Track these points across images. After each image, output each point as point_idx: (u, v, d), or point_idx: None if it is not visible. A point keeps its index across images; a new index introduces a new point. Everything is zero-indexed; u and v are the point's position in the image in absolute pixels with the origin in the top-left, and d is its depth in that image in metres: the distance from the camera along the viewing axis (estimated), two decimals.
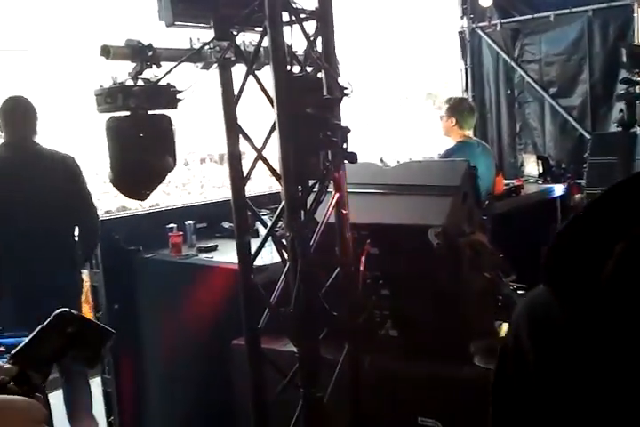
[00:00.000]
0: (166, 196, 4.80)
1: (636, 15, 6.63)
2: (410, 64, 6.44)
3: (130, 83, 2.13)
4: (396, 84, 6.24)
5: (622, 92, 5.84)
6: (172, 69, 2.17)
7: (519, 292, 2.56)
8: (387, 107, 6.13)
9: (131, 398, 3.64)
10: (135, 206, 3.95)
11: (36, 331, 0.83)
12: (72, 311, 0.85)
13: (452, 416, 2.35)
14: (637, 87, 5.80)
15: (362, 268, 2.48)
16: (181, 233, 3.44)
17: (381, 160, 5.72)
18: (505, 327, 2.62)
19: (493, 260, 2.52)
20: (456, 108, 4.20)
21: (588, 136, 6.47)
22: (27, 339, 0.82)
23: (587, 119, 6.98)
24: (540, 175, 5.92)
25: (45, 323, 0.84)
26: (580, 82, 7.05)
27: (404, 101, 6.35)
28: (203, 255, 3.33)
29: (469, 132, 4.29)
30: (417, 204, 2.56)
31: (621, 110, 5.81)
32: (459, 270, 2.43)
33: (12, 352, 0.81)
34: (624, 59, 5.78)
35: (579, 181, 5.63)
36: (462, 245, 2.42)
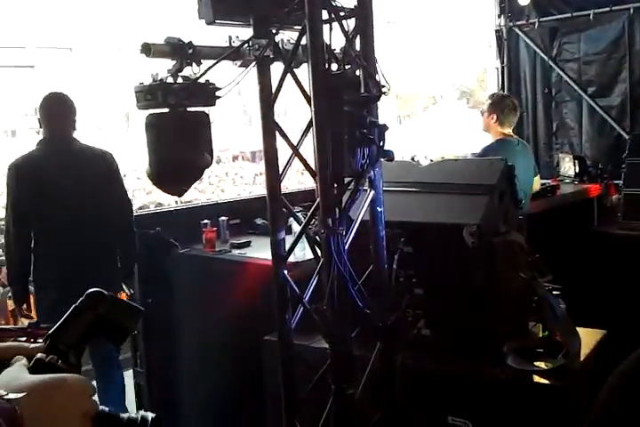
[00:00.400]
0: (200, 193, 4.85)
1: None
2: (445, 62, 6.40)
3: (170, 80, 2.16)
4: (432, 83, 6.21)
5: None
6: (211, 67, 2.20)
7: (554, 293, 2.53)
8: (422, 105, 6.11)
9: (162, 391, 3.69)
10: (168, 202, 4.01)
11: (69, 311, 0.86)
12: (103, 291, 0.88)
13: (483, 416, 2.33)
14: None
15: (395, 266, 2.48)
16: (215, 229, 3.48)
17: (412, 159, 5.70)
18: (539, 328, 2.60)
19: (529, 260, 2.49)
20: (498, 105, 4.16)
21: (626, 136, 6.35)
22: (61, 320, 0.85)
23: (626, 119, 6.85)
24: (576, 175, 5.84)
25: (77, 303, 0.87)
26: (619, 81, 6.92)
27: (439, 100, 6.31)
28: (236, 251, 3.36)
29: (509, 130, 4.24)
30: (452, 202, 2.55)
31: None
32: (493, 270, 2.41)
33: (48, 333, 0.84)
34: None
35: (616, 181, 5.53)
36: (497, 245, 2.40)
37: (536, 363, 2.36)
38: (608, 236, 5.10)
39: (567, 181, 5.85)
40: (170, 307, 3.55)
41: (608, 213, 5.39)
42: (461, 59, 6.78)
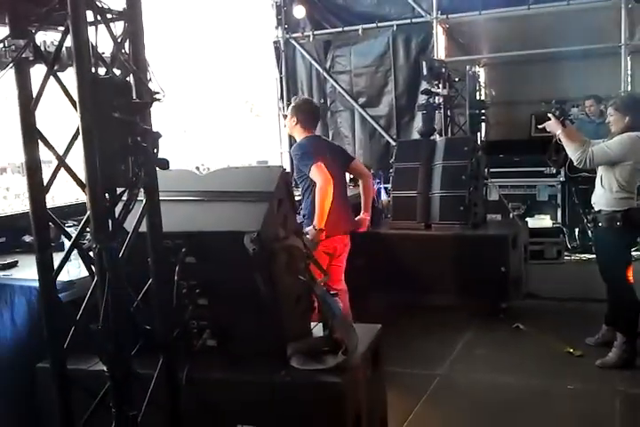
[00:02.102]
0: None
1: (434, 31, 7.23)
2: (228, 71, 6.44)
3: None
4: (215, 91, 6.22)
5: (423, 102, 6.34)
6: None
7: (332, 292, 2.66)
8: (206, 113, 6.08)
9: None
10: None
11: None
12: None
13: (271, 420, 2.37)
14: (436, 98, 6.33)
15: (177, 278, 2.42)
16: None
17: (197, 168, 5.65)
18: (320, 328, 2.70)
19: (307, 263, 2.58)
20: (299, 108, 4.26)
21: (393, 143, 6.92)
22: None
23: (392, 127, 7.48)
24: (350, 180, 6.20)
25: None
26: (386, 93, 7.54)
27: (223, 108, 6.34)
28: (0, 273, 3.05)
29: (314, 131, 4.35)
30: (232, 210, 2.56)
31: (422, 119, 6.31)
32: (274, 275, 2.45)
33: None
34: (424, 71, 6.28)
35: (386, 185, 5.99)
36: (277, 250, 2.45)
37: (318, 362, 2.45)
38: (380, 235, 5.51)
39: None
40: None
41: (380, 215, 5.82)
42: (245, 68, 6.91)
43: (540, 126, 4.36)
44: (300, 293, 2.64)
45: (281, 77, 7.86)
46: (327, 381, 2.33)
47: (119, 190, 2.06)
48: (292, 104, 4.35)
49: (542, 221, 6.86)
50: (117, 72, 2.14)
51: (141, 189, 2.13)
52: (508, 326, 4.92)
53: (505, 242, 5.12)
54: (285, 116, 4.37)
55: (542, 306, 5.40)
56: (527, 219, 6.60)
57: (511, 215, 5.94)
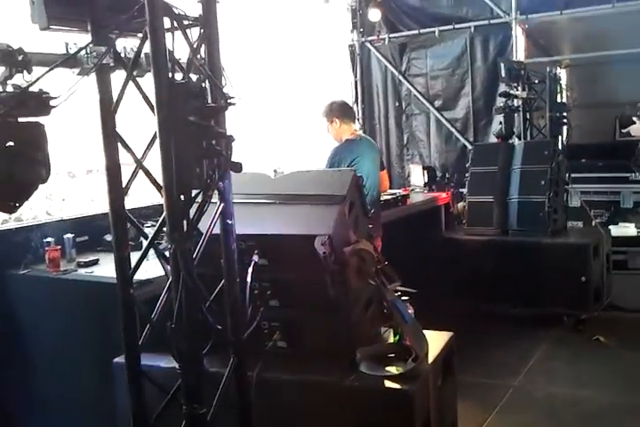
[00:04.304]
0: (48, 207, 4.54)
1: (513, 32, 7.04)
2: (304, 75, 6.49)
3: None
4: (291, 95, 6.27)
5: (501, 105, 6.19)
6: (43, 75, 2.05)
7: (403, 298, 2.62)
8: (282, 118, 6.15)
9: (7, 420, 3.41)
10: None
11: None
12: None
13: (339, 423, 2.36)
14: (515, 100, 6.17)
15: (249, 279, 2.45)
16: (59, 247, 3.27)
17: (275, 171, 5.73)
18: (391, 333, 2.67)
19: (378, 267, 2.56)
20: (330, 111, 4.36)
21: (470, 147, 6.78)
22: None
23: (469, 131, 7.33)
24: (425, 185, 6.14)
25: None
26: (462, 95, 7.39)
27: (299, 113, 6.40)
28: (82, 270, 3.18)
29: (354, 126, 4.47)
30: (304, 213, 2.57)
31: (500, 122, 6.15)
32: (345, 279, 2.45)
33: None
34: (502, 73, 6.13)
35: (461, 189, 5.88)
36: (348, 254, 2.44)
37: (388, 368, 2.42)
38: (455, 241, 5.41)
39: (417, 190, 6.14)
40: (14, 332, 3.28)
41: (454, 220, 5.72)
42: (319, 72, 6.95)
43: (624, 130, 4.18)
44: (371, 297, 2.62)
45: (356, 81, 7.86)
46: (396, 388, 2.30)
47: (194, 192, 2.10)
48: (324, 112, 4.41)
49: (626, 230, 6.55)
50: (193, 77, 2.19)
51: (215, 192, 2.17)
52: (587, 339, 4.72)
53: (586, 251, 4.93)
54: (328, 128, 4.40)
55: (625, 318, 5.17)
56: (610, 227, 6.32)
57: (593, 223, 5.72)
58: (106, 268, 3.07)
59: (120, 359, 2.30)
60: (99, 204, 4.57)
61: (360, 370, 2.40)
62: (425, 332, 2.59)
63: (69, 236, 3.43)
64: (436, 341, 2.66)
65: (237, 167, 2.16)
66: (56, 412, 3.24)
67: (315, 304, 2.50)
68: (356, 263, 2.47)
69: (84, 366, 3.03)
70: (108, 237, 3.47)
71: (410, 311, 2.60)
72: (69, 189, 4.75)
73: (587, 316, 4.99)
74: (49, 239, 3.29)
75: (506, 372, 4.23)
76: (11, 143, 2.00)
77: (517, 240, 5.22)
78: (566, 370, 4.27)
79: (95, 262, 3.27)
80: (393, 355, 2.50)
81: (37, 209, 4.27)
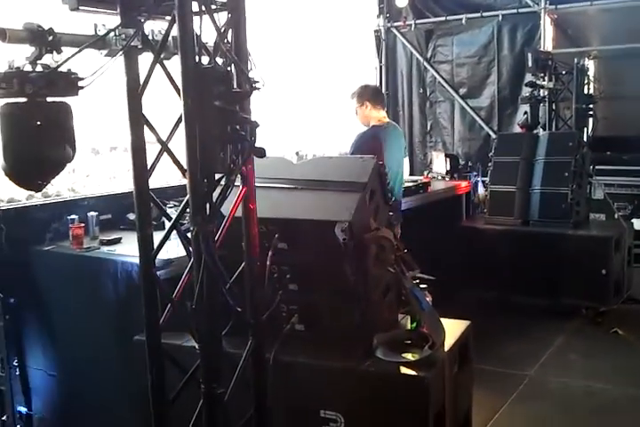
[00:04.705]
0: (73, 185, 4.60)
1: (542, 22, 6.94)
2: (327, 60, 6.47)
3: (28, 68, 2.03)
4: (317, 80, 6.26)
5: (527, 94, 6.12)
6: (73, 55, 2.08)
7: (422, 286, 2.63)
8: (306, 101, 6.14)
9: (29, 394, 3.50)
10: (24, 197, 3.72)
11: None
12: None
13: (354, 408, 2.39)
14: (541, 90, 6.10)
15: (269, 262, 2.48)
16: (83, 225, 3.32)
17: (297, 154, 5.73)
18: (408, 320, 2.69)
19: (397, 255, 2.57)
20: (364, 94, 4.28)
21: (494, 136, 6.72)
22: None
23: (494, 120, 7.26)
24: (447, 173, 6.11)
25: None
26: (488, 84, 7.32)
27: (323, 97, 6.39)
28: (105, 248, 3.23)
29: (384, 113, 4.37)
30: (325, 199, 2.58)
31: (525, 112, 6.09)
32: (364, 265, 2.46)
33: None
34: (529, 63, 6.06)
35: (483, 178, 5.85)
36: (368, 241, 2.46)
37: (404, 355, 2.44)
38: (475, 230, 5.39)
39: (439, 178, 6.11)
40: (36, 307, 3.36)
41: (475, 209, 5.70)
42: (344, 57, 6.92)
43: None
44: (389, 284, 2.64)
45: (381, 66, 7.81)
46: (411, 374, 2.32)
47: (217, 176, 2.12)
48: (355, 94, 4.33)
49: None
50: (220, 61, 2.20)
51: (238, 176, 2.19)
52: (605, 331, 4.70)
53: (608, 243, 4.89)
54: (356, 110, 4.33)
55: None
56: (633, 220, 6.25)
57: (616, 216, 5.66)
58: (128, 247, 3.11)
59: (140, 337, 2.34)
60: (120, 181, 4.63)
61: (376, 356, 2.43)
62: (442, 320, 2.60)
63: (93, 214, 3.47)
64: (453, 329, 2.67)
65: (261, 152, 2.18)
66: (75, 388, 3.32)
67: (333, 289, 2.52)
68: (375, 250, 2.49)
69: (103, 343, 3.09)
70: (131, 216, 3.52)
71: (428, 299, 2.62)
72: (93, 166, 4.80)
73: (606, 308, 4.96)
74: (73, 216, 3.34)
75: (522, 362, 4.23)
76: (39, 123, 2.04)
77: (538, 231, 5.19)
78: (582, 362, 4.26)
79: (118, 241, 3.31)
80: (410, 342, 2.52)
81: (61, 185, 4.32)
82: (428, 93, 7.64)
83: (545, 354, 4.36)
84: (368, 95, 4.28)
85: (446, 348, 2.51)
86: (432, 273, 2.87)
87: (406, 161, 4.73)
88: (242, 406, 2.27)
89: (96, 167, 4.81)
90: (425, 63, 7.55)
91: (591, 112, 6.56)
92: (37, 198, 3.74)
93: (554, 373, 4.08)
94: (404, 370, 2.35)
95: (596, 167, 5.84)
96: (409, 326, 2.68)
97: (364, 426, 2.38)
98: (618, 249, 4.99)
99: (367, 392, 2.36)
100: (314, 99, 6.36)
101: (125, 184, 4.14)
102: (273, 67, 5.02)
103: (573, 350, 4.45)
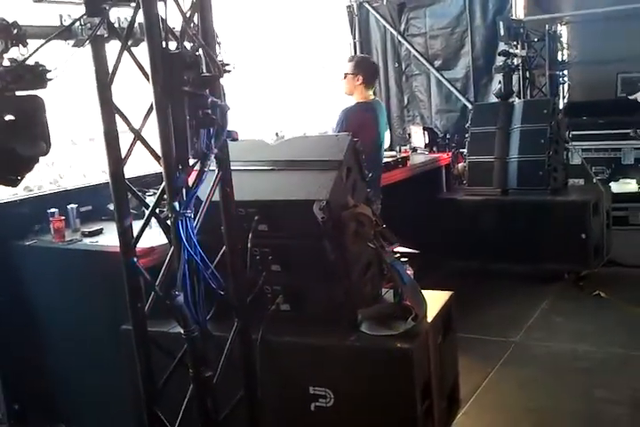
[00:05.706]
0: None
1: None
2: (302, 39, 6.42)
3: None
4: (289, 58, 6.21)
5: (500, 64, 6.13)
6: (39, 48, 2.06)
7: (402, 260, 2.67)
8: (282, 81, 6.11)
9: (18, 388, 3.52)
10: None
11: None
12: None
13: (342, 383, 2.44)
14: (514, 59, 6.10)
15: (250, 245, 2.50)
16: (63, 218, 3.31)
17: (277, 134, 5.71)
18: (390, 295, 2.73)
19: (376, 230, 2.60)
20: (360, 66, 4.17)
21: (470, 107, 6.73)
22: None
23: (470, 91, 7.26)
24: (426, 146, 6.13)
25: None
26: (462, 55, 7.30)
27: (299, 75, 6.35)
28: (87, 240, 3.23)
29: (372, 92, 4.27)
30: (302, 179, 2.60)
31: (500, 82, 6.10)
32: (343, 242, 2.49)
33: None
34: (501, 32, 6.05)
35: (462, 150, 5.87)
36: (345, 218, 2.48)
37: (388, 328, 2.49)
38: (455, 201, 5.44)
39: (419, 151, 6.13)
40: (23, 302, 3.36)
41: (455, 181, 5.74)
42: (317, 34, 6.88)
43: (631, 97, 4.14)
44: (370, 260, 2.67)
45: (355, 42, 7.76)
46: (396, 346, 2.37)
47: (192, 161, 2.13)
48: (354, 61, 4.22)
49: (627, 186, 6.57)
50: (188, 46, 2.19)
51: (213, 160, 2.20)
52: (587, 294, 4.79)
53: (585, 208, 4.96)
54: (346, 76, 4.17)
55: (624, 273, 5.22)
56: (611, 183, 6.33)
57: (594, 180, 5.73)
58: (110, 237, 3.11)
59: (127, 326, 2.37)
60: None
61: (361, 330, 2.47)
62: (424, 292, 2.65)
63: (73, 206, 3.46)
64: (436, 300, 2.72)
65: (233, 136, 2.19)
66: (65, 380, 3.34)
67: (315, 268, 2.56)
68: (354, 227, 2.51)
69: (91, 335, 3.10)
70: (112, 207, 3.51)
71: (409, 273, 2.66)
72: (72, 157, 4.76)
73: (587, 272, 5.05)
74: (53, 210, 3.32)
75: (507, 328, 4.31)
76: (10, 117, 2.03)
77: (517, 199, 5.25)
78: (567, 325, 4.35)
79: (100, 232, 3.31)
80: (393, 315, 2.57)
81: (43, 178, 4.28)
82: (403, 67, 7.61)
83: (530, 319, 4.45)
84: (365, 70, 4.15)
85: (429, 319, 2.56)
86: (414, 246, 2.91)
87: (387, 136, 4.72)
88: (232, 387, 2.32)
89: (76, 159, 4.78)
90: (399, 37, 7.51)
91: (565, 78, 6.59)
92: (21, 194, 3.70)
93: (539, 337, 4.17)
94: (388, 343, 2.40)
95: (573, 132, 5.89)
96: (393, 300, 2.72)
97: (353, 400, 2.43)
98: (596, 213, 5.06)
99: (354, 367, 2.41)
100: (291, 78, 6.32)
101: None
102: (247, 48, 4.98)
103: (557, 314, 4.53)
